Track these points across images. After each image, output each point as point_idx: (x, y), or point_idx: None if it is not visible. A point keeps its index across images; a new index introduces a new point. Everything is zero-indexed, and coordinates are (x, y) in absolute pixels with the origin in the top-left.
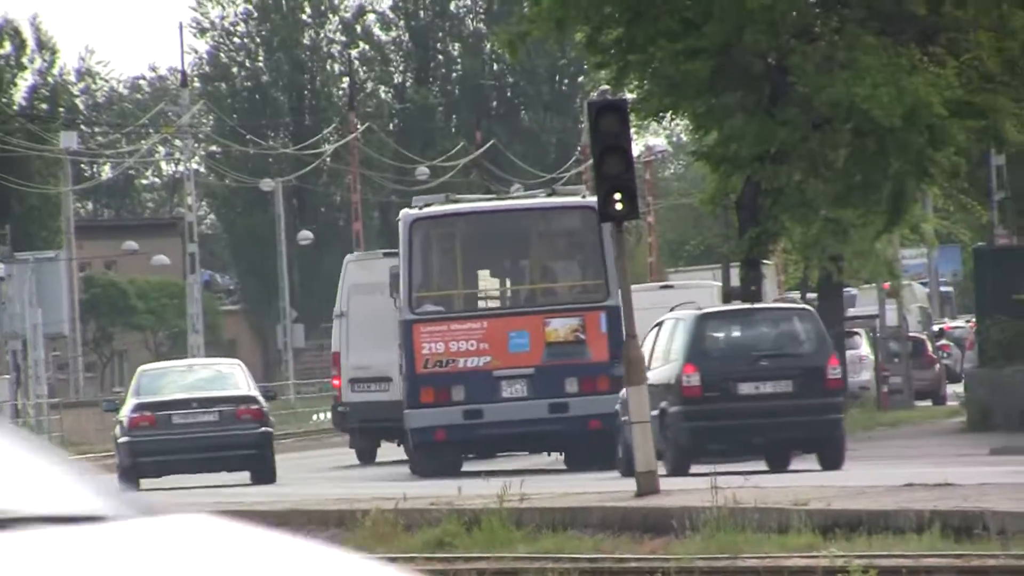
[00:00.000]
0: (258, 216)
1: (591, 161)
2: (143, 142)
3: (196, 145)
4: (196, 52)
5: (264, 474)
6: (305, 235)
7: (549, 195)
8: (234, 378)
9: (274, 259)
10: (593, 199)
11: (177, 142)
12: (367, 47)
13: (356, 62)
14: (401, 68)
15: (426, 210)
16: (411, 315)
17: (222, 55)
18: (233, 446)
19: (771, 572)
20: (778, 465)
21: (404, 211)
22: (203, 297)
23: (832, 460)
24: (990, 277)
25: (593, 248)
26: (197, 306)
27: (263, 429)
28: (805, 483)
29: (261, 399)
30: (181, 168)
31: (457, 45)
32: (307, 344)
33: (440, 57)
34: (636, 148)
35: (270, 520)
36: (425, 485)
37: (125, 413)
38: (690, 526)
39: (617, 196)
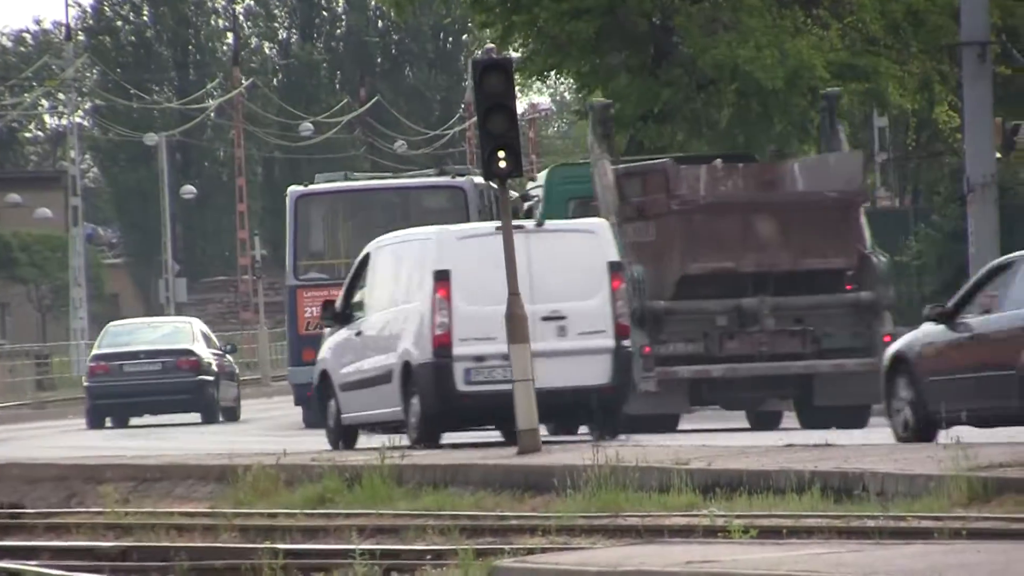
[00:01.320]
0: (142, 170)
1: (475, 119)
2: (26, 95)
3: (80, 99)
4: (80, 6)
5: (208, 415)
6: (188, 190)
7: (438, 174)
8: (183, 334)
9: (157, 213)
10: (463, 179)
11: (61, 95)
12: (252, 2)
13: (241, 17)
14: (286, 24)
15: (310, 187)
16: (295, 281)
17: (107, 9)
18: (173, 391)
19: (651, 531)
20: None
21: (291, 187)
22: (86, 251)
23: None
24: (873, 237)
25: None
26: (80, 260)
27: (199, 377)
28: (687, 442)
29: (201, 352)
30: (65, 122)
31: (342, 1)
32: (189, 299)
33: (325, 13)
34: (520, 106)
35: (151, 473)
36: (319, 440)
37: (87, 363)
38: (571, 484)
39: (501, 154)
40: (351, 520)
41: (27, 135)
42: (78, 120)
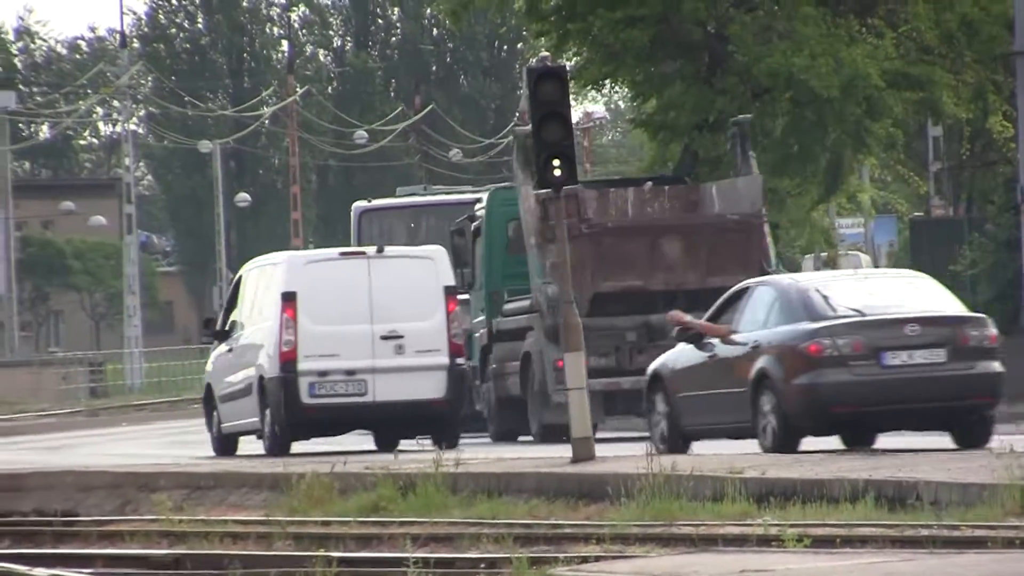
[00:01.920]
0: (196, 178)
1: (530, 127)
2: (81, 102)
3: (134, 106)
4: (135, 13)
5: None
6: (243, 197)
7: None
8: None
9: (211, 221)
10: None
11: (115, 103)
12: (307, 10)
13: (295, 25)
14: (340, 32)
15: (373, 203)
16: None
17: (161, 16)
18: None
19: (705, 540)
20: None
21: (355, 203)
22: (140, 258)
23: None
24: (926, 247)
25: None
26: (134, 267)
27: None
28: (741, 451)
29: None
30: (119, 129)
31: (396, 9)
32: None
33: (380, 21)
34: (575, 115)
35: (204, 481)
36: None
37: None
38: (625, 493)
39: (556, 163)
40: (405, 528)
41: (82, 142)
42: (132, 127)
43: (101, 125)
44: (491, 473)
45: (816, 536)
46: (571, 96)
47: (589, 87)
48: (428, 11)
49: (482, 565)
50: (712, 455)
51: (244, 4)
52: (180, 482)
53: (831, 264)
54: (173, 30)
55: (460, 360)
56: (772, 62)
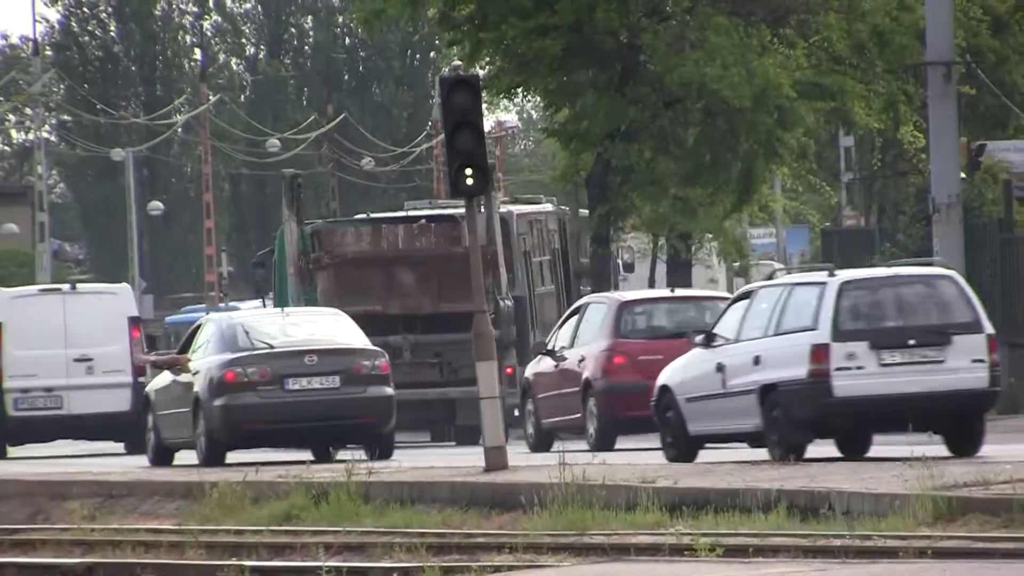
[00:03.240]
0: (108, 186)
1: (442, 136)
2: None
3: (47, 114)
4: (47, 21)
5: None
6: (155, 206)
7: (512, 201)
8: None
9: (124, 229)
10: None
11: (28, 110)
12: (219, 18)
13: (208, 33)
14: (253, 40)
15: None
16: None
17: (74, 24)
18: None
19: (618, 549)
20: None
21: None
22: (52, 266)
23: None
24: (837, 257)
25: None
26: (46, 275)
27: None
28: (653, 461)
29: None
30: (32, 137)
31: (310, 18)
32: (155, 315)
33: (292, 30)
34: (487, 124)
35: (117, 489)
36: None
37: None
38: (538, 502)
39: (468, 171)
40: (318, 537)
41: None
42: (45, 135)
43: (13, 133)
44: (404, 482)
45: (728, 545)
46: (483, 105)
47: (502, 96)
48: (341, 20)
49: (395, 574)
50: (625, 464)
51: (157, 12)
52: (93, 490)
53: (743, 274)
54: (86, 38)
55: (142, 379)
56: (684, 72)
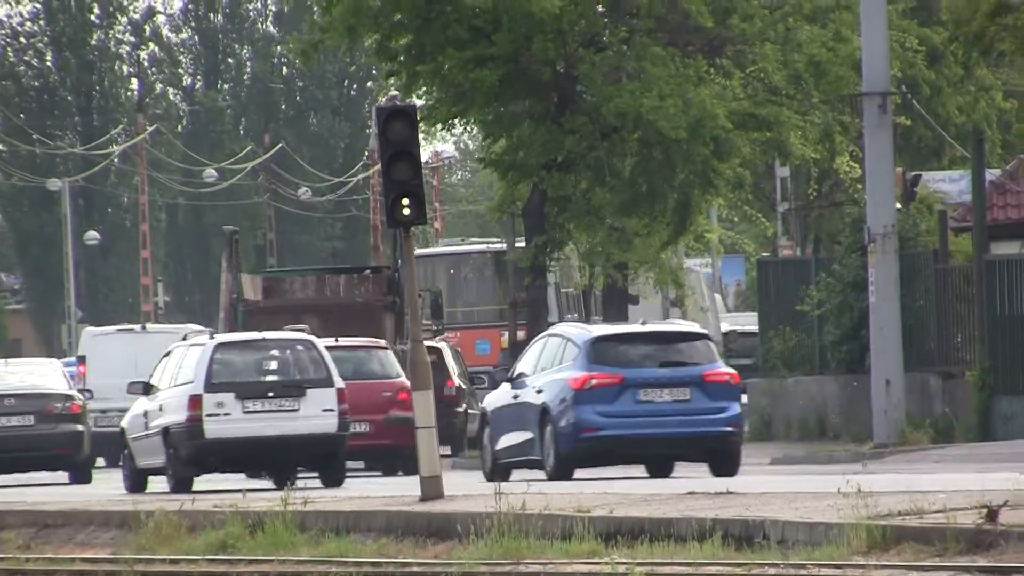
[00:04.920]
0: (44, 216)
1: (379, 166)
2: None
3: None
4: None
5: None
6: (92, 235)
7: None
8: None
9: (60, 259)
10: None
11: None
12: (156, 48)
13: (145, 63)
14: (190, 70)
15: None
16: None
17: (10, 54)
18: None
19: None
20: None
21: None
22: None
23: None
24: (773, 287)
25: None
26: None
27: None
28: (589, 490)
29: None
30: None
31: (247, 48)
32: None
33: (230, 60)
34: (424, 154)
35: (52, 519)
36: (216, 487)
37: None
38: (474, 531)
39: (405, 201)
40: (253, 567)
41: None
42: None
43: None
44: (340, 511)
45: (663, 575)
46: (420, 135)
47: (439, 126)
48: (278, 50)
49: None
50: (560, 494)
51: (93, 42)
52: (28, 520)
53: (679, 304)
54: (22, 67)
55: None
56: (621, 102)
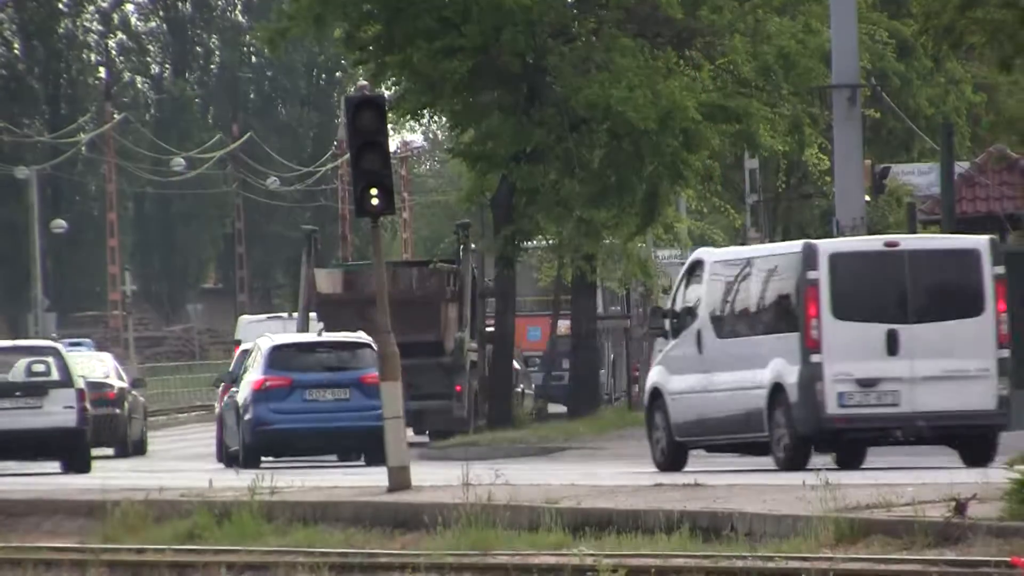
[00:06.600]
0: (12, 204)
1: (348, 156)
2: None
3: None
4: None
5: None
6: (59, 224)
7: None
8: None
9: (27, 248)
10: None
11: None
12: (124, 37)
13: (113, 52)
14: (159, 59)
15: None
16: None
17: None
18: None
19: (520, 569)
20: None
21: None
22: None
23: None
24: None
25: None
26: None
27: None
28: (557, 481)
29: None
30: None
31: (215, 37)
32: (59, 333)
33: (198, 49)
34: (393, 144)
35: (18, 508)
36: (180, 477)
37: None
38: (442, 522)
39: (374, 192)
40: (220, 556)
41: None
42: None
43: None
44: (307, 502)
45: (631, 567)
46: (389, 125)
47: (408, 116)
48: (247, 39)
49: None
50: (530, 485)
51: (61, 30)
52: None
53: (649, 296)
54: None
55: None
56: (590, 93)
